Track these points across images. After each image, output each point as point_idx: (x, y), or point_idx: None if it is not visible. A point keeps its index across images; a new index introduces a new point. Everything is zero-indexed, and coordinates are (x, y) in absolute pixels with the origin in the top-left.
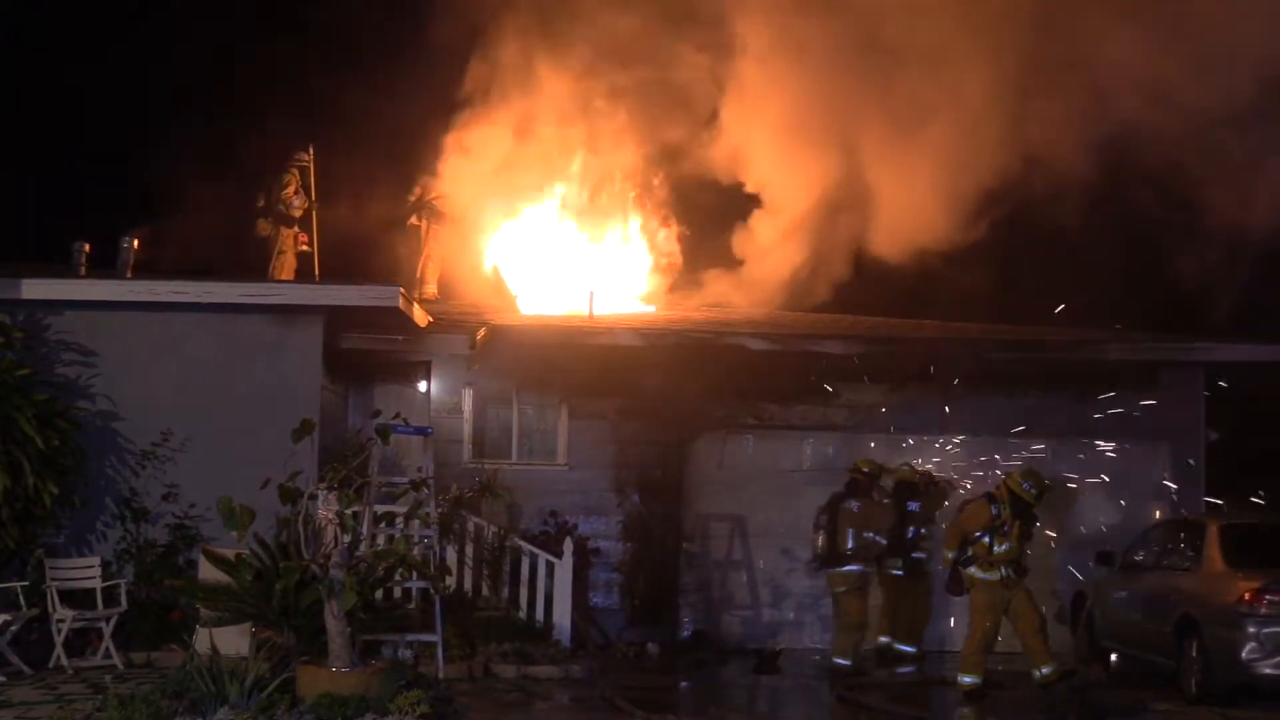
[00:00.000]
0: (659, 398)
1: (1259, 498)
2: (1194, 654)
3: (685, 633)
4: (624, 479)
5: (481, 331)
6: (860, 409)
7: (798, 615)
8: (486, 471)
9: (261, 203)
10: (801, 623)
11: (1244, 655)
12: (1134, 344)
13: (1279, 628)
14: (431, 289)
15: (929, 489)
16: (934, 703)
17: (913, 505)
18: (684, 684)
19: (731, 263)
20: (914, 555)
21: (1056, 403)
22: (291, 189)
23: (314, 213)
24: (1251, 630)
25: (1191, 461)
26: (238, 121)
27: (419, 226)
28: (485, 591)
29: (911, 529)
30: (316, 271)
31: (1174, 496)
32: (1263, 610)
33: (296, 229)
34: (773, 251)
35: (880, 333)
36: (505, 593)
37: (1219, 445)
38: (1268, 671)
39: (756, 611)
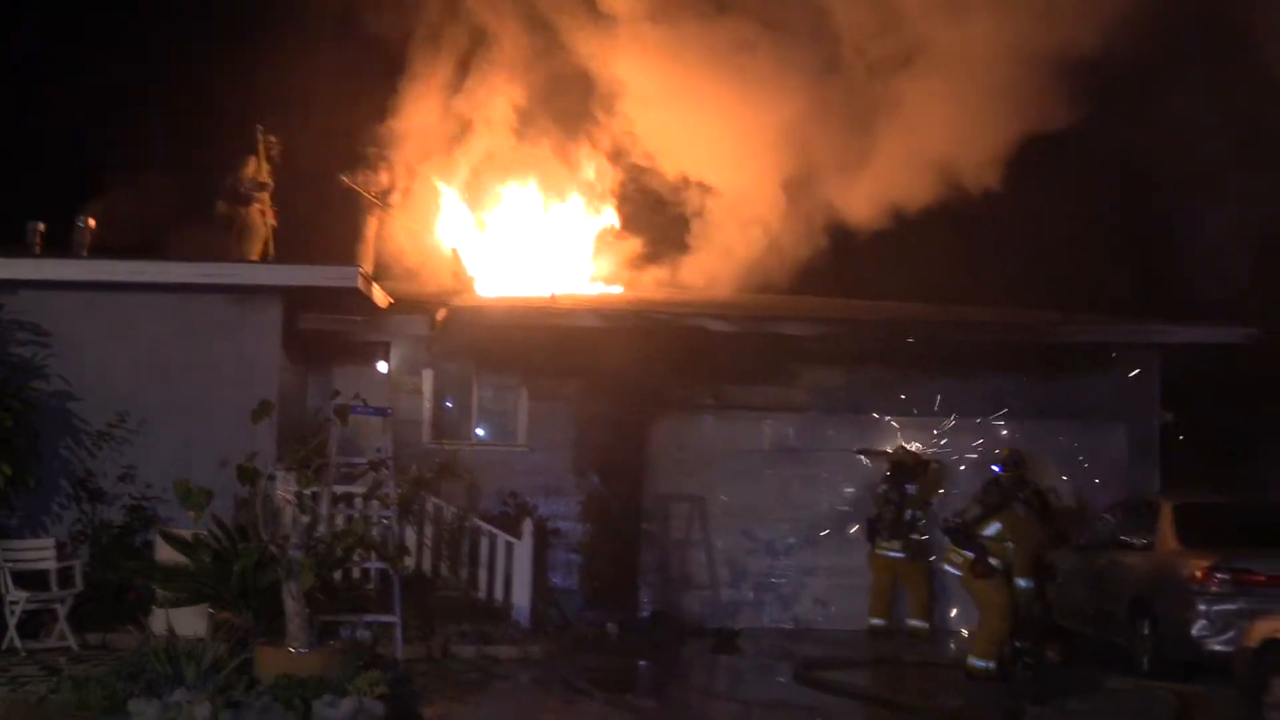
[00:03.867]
0: (619, 379)
1: (1211, 478)
2: (1146, 632)
3: (644, 613)
4: (584, 460)
5: (441, 312)
6: (821, 390)
7: (757, 595)
8: (446, 452)
9: (227, 181)
10: (760, 603)
11: (1194, 633)
12: (1089, 325)
13: (1228, 605)
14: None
15: (924, 471)
16: (899, 682)
17: (909, 488)
18: (643, 664)
19: (693, 245)
20: (913, 537)
21: (1015, 384)
22: (251, 168)
23: (270, 192)
24: (1202, 608)
25: (1146, 442)
26: (190, 99)
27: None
28: (444, 572)
29: (910, 512)
30: (274, 252)
31: (1130, 477)
32: (1213, 588)
33: (262, 207)
34: (735, 233)
35: (840, 314)
36: (464, 574)
37: (1174, 426)
38: (1217, 648)
39: (715, 592)
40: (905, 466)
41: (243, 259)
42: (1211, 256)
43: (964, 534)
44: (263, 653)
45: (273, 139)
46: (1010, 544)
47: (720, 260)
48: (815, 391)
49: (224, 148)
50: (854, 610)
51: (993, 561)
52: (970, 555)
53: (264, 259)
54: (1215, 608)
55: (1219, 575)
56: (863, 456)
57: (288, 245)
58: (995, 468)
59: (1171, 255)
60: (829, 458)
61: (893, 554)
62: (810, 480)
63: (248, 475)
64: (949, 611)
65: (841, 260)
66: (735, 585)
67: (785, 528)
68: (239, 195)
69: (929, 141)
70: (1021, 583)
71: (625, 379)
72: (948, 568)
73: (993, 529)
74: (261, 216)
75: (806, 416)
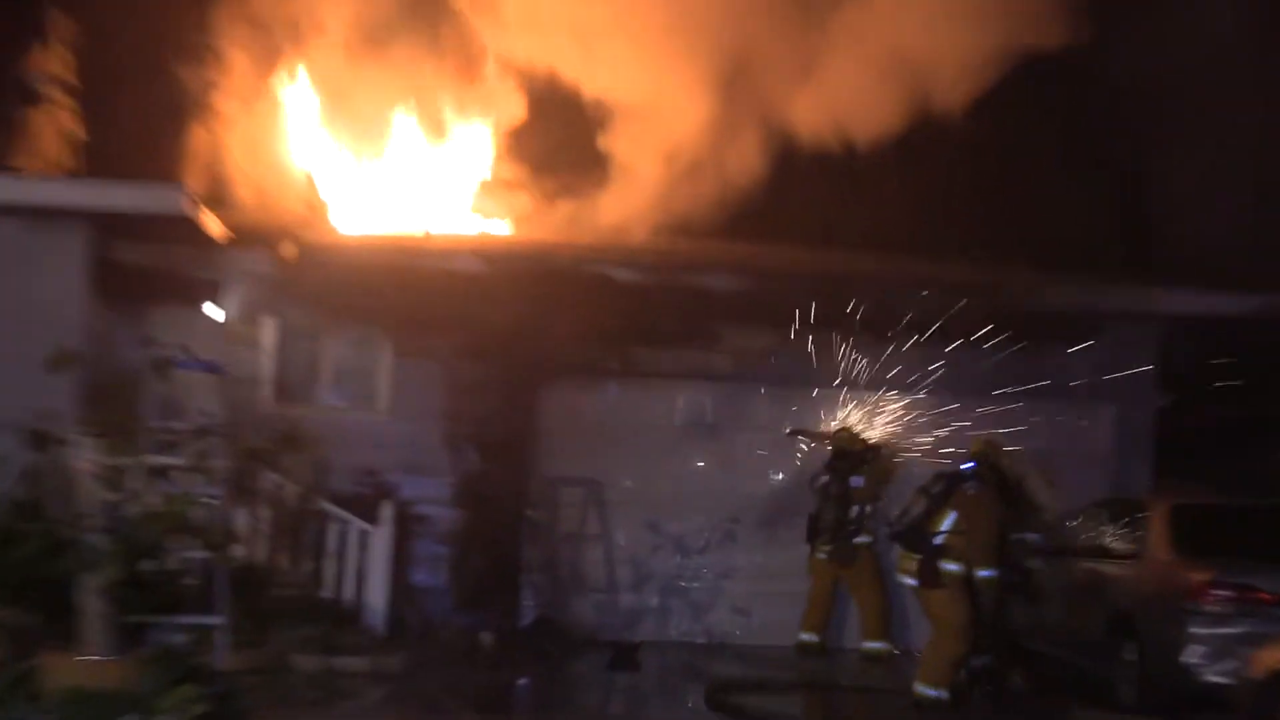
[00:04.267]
0: (505, 337)
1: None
2: (1130, 658)
3: (527, 620)
4: (459, 433)
5: (289, 248)
6: (748, 356)
7: (663, 601)
8: (290, 419)
9: (8, 74)
10: (667, 610)
11: (1187, 660)
12: (1077, 288)
13: (1230, 628)
14: None
15: (873, 458)
16: (832, 711)
17: (855, 480)
18: (523, 682)
19: (598, 178)
20: (859, 540)
21: (985, 355)
22: (42, 59)
23: (71, 91)
24: (1197, 631)
25: (1139, 430)
26: None
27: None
28: (283, 565)
29: (855, 508)
30: (80, 169)
31: (1117, 470)
32: (1212, 607)
33: (59, 109)
34: (649, 163)
35: (774, 265)
36: (308, 567)
37: (1173, 412)
38: (1215, 679)
39: (613, 596)
40: (850, 453)
41: (38, 174)
42: (1224, 214)
43: (912, 535)
44: (51, 660)
45: (67, 22)
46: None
47: (631, 197)
48: (741, 358)
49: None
50: (780, 621)
51: (949, 567)
52: (920, 559)
53: (66, 176)
54: (1214, 630)
55: (1219, 592)
56: (799, 438)
57: (100, 162)
58: (966, 465)
59: (1176, 213)
60: (755, 438)
61: (820, 555)
62: (732, 464)
63: (39, 439)
64: (911, 630)
65: (778, 201)
66: (638, 588)
67: (700, 521)
68: (25, 91)
69: (892, 41)
70: (983, 573)
71: (512, 337)
72: (904, 579)
73: (947, 522)
74: (56, 122)
75: (730, 388)
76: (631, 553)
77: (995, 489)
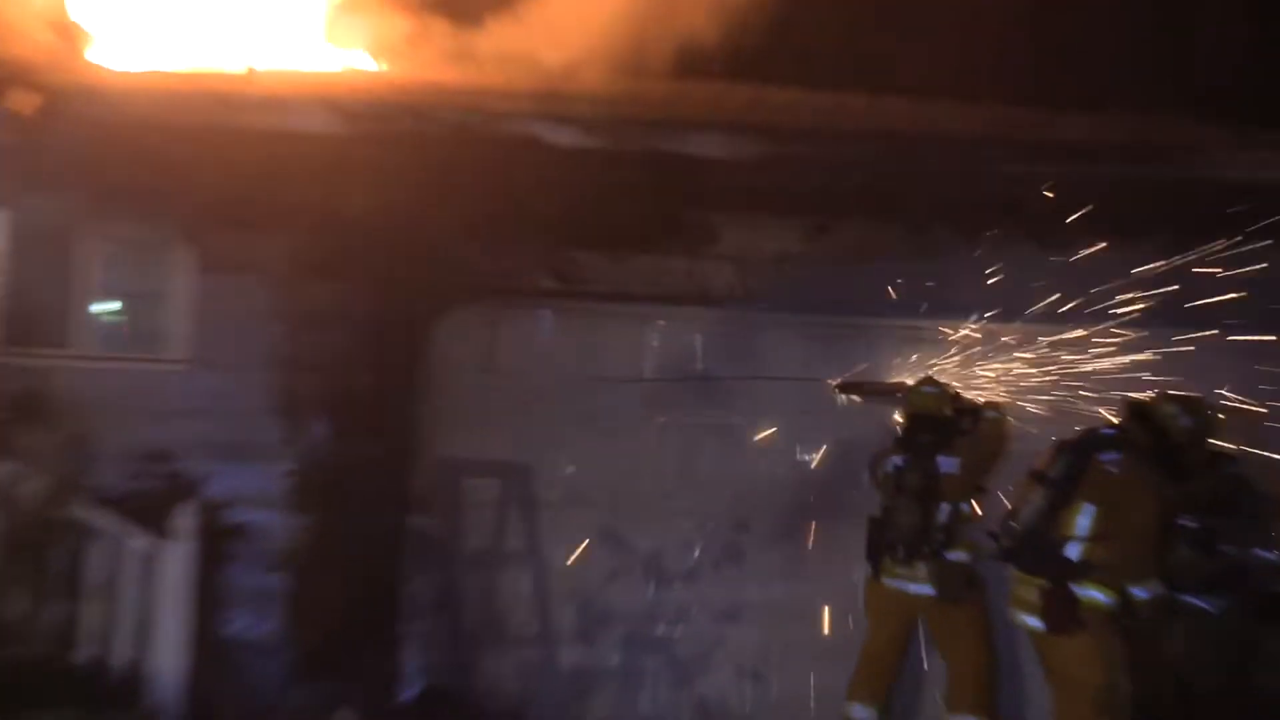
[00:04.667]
0: (374, 238)
1: None
2: None
3: (410, 691)
4: (299, 391)
5: (30, 97)
6: (762, 266)
7: (628, 659)
8: (26, 372)
9: None
10: (634, 673)
11: None
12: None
13: None
14: None
15: (972, 427)
16: None
17: (945, 460)
18: None
19: None
20: (952, 557)
21: (1132, 257)
22: None
23: None
24: None
25: None
26: None
27: None
28: (16, 609)
29: (946, 507)
30: None
31: None
32: None
33: None
34: None
35: (797, 121)
36: (56, 612)
37: None
38: None
39: (549, 651)
40: (938, 420)
41: None
42: None
43: (1030, 547)
44: None
45: None
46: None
47: (577, 16)
48: (751, 269)
49: None
50: (814, 689)
51: (1092, 595)
52: (1047, 586)
53: None
54: None
55: None
56: (848, 396)
57: None
58: (1106, 431)
59: None
60: (773, 396)
61: (914, 588)
62: (735, 439)
63: None
64: (1026, 700)
65: (795, 25)
66: (588, 638)
67: (686, 530)
68: None
69: None
70: (1139, 591)
71: (386, 239)
72: (1023, 618)
73: (1082, 520)
74: None
75: (733, 318)
76: (578, 582)
77: (1146, 455)
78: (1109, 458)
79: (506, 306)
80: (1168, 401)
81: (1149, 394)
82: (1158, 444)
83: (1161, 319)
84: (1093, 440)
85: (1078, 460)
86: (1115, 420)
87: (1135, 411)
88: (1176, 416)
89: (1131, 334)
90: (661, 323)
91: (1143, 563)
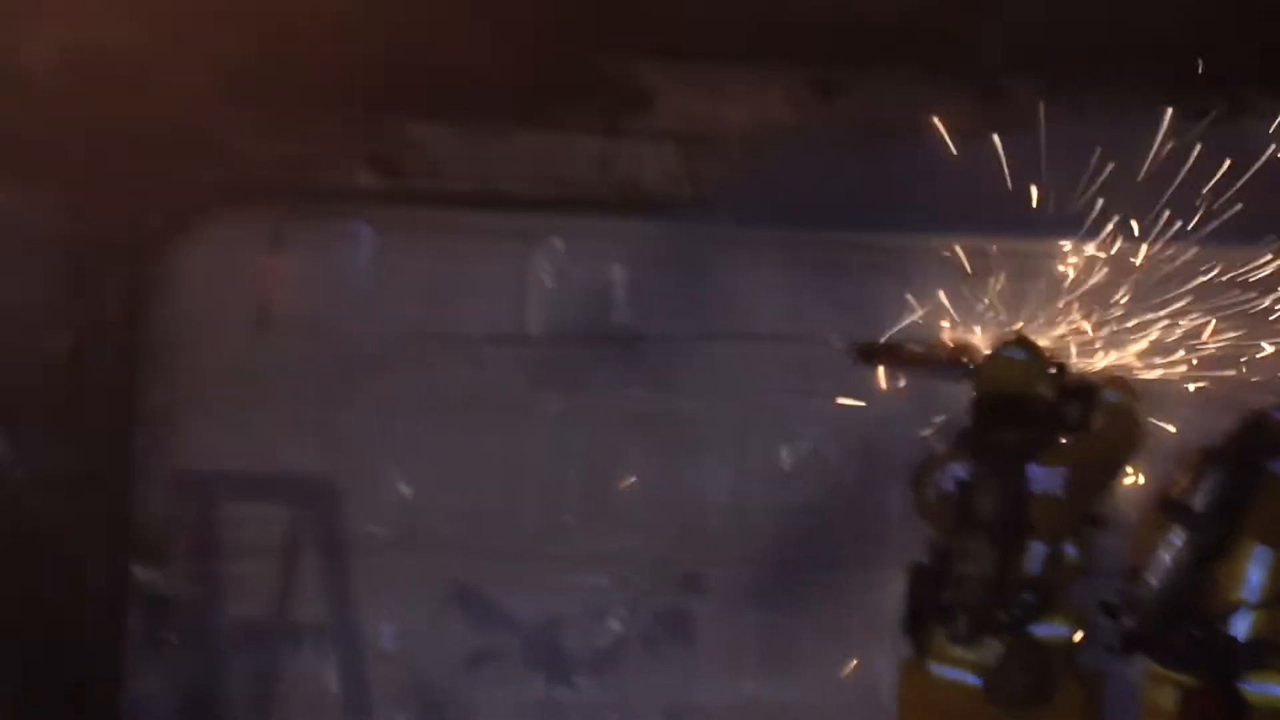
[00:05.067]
0: (64, 107)
1: None
2: None
3: None
4: None
5: None
6: (716, 149)
7: None
8: None
9: None
10: None
11: None
12: None
13: None
14: None
15: (1082, 412)
16: None
17: (1041, 476)
18: None
19: None
20: (1038, 629)
21: None
22: None
23: None
24: None
25: None
26: None
27: None
28: None
29: (1040, 548)
30: None
31: None
32: None
33: None
34: None
35: None
36: None
37: None
38: None
39: None
40: (1026, 405)
41: None
42: None
43: (1171, 623)
44: None
45: None
46: None
47: None
48: (700, 153)
49: None
50: None
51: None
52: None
53: None
54: None
55: None
56: (865, 363)
57: None
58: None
59: None
60: (742, 366)
61: (976, 680)
62: (679, 436)
63: None
64: None
65: None
66: None
67: (596, 588)
68: None
69: None
70: None
71: (86, 107)
72: None
73: (1255, 572)
74: None
75: (672, 234)
76: (417, 674)
77: None
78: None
79: (296, 219)
80: None
81: None
82: None
83: None
84: (1262, 439)
85: (1239, 475)
86: None
87: None
88: None
89: None
90: (557, 244)
91: None
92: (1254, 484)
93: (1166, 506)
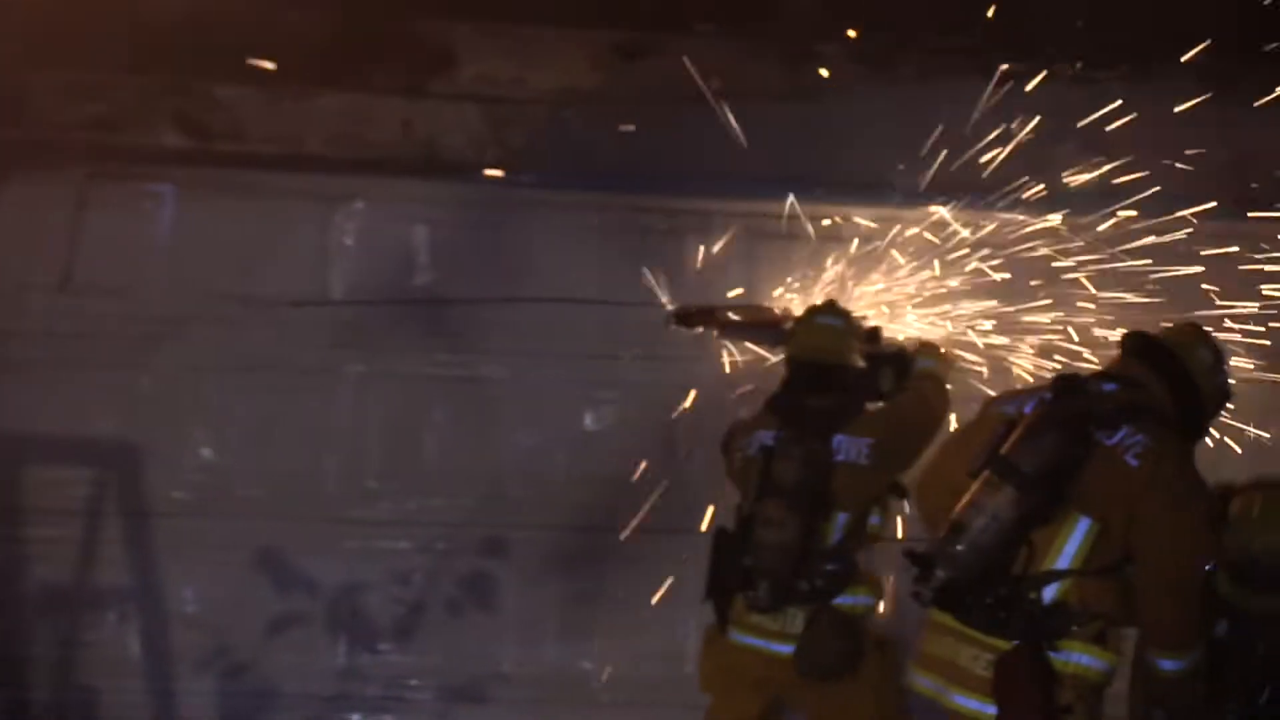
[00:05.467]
0: None
1: None
2: None
3: None
4: None
5: None
6: (523, 111)
7: None
8: None
9: None
10: None
11: None
12: None
13: None
14: None
15: (891, 386)
16: None
17: (846, 444)
18: None
19: None
20: (836, 597)
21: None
22: None
23: None
24: None
25: None
26: None
27: None
28: None
29: (841, 516)
30: None
31: None
32: None
33: None
34: None
35: None
36: None
37: None
38: None
39: None
40: (835, 371)
41: None
42: None
43: (985, 585)
44: None
45: None
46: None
47: None
48: (506, 115)
49: None
50: None
51: (1084, 662)
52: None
53: None
54: None
55: None
56: (687, 328)
57: None
58: (1106, 384)
59: None
60: (548, 330)
61: (782, 649)
62: (484, 400)
63: None
64: None
65: None
66: None
67: (400, 552)
68: None
69: None
70: (1167, 664)
71: None
72: (960, 701)
73: (1069, 546)
74: None
75: (477, 196)
76: (219, 638)
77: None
78: (1124, 440)
79: (96, 179)
80: (1197, 338)
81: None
82: (1185, 410)
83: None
84: (1089, 408)
85: (1069, 443)
86: (1114, 370)
87: (1154, 355)
88: (1210, 366)
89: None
90: (359, 205)
91: (1180, 615)
92: (1083, 454)
93: (996, 464)
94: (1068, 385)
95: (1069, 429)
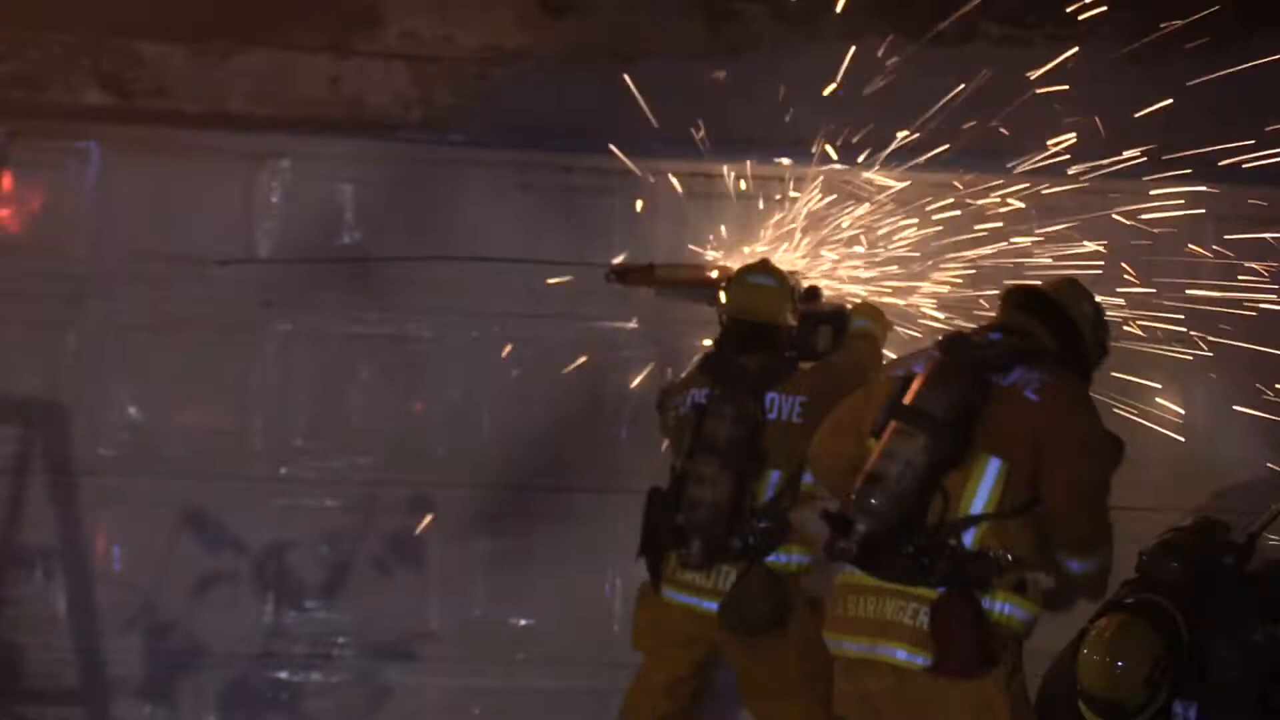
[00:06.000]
0: None
1: None
2: None
3: None
4: None
5: None
6: (448, 69)
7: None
8: None
9: None
10: None
11: None
12: None
13: None
14: None
15: (825, 345)
16: None
17: (779, 401)
18: None
19: None
20: (769, 554)
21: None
22: None
23: None
24: None
25: None
26: None
27: None
28: None
29: (774, 474)
30: None
31: None
32: None
33: None
34: None
35: None
36: None
37: None
38: None
39: (98, 708)
40: (768, 329)
41: None
42: None
43: (901, 538)
44: None
45: None
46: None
47: None
48: (432, 73)
49: None
50: None
51: (1005, 611)
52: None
53: None
54: None
55: None
56: (624, 283)
57: None
58: (993, 336)
59: None
60: (476, 288)
61: (714, 607)
62: (410, 359)
63: None
64: None
65: None
66: (161, 693)
67: (325, 511)
68: None
69: None
70: (1075, 565)
71: None
72: (884, 650)
73: (982, 488)
74: None
75: (403, 155)
76: (144, 597)
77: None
78: (1021, 378)
79: (18, 137)
80: (1080, 292)
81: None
82: (1073, 356)
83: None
84: (982, 355)
85: (968, 388)
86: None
87: (1038, 305)
88: (1090, 316)
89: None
90: (285, 164)
91: (1091, 523)
92: (979, 399)
93: (903, 413)
94: (955, 341)
95: (966, 376)
